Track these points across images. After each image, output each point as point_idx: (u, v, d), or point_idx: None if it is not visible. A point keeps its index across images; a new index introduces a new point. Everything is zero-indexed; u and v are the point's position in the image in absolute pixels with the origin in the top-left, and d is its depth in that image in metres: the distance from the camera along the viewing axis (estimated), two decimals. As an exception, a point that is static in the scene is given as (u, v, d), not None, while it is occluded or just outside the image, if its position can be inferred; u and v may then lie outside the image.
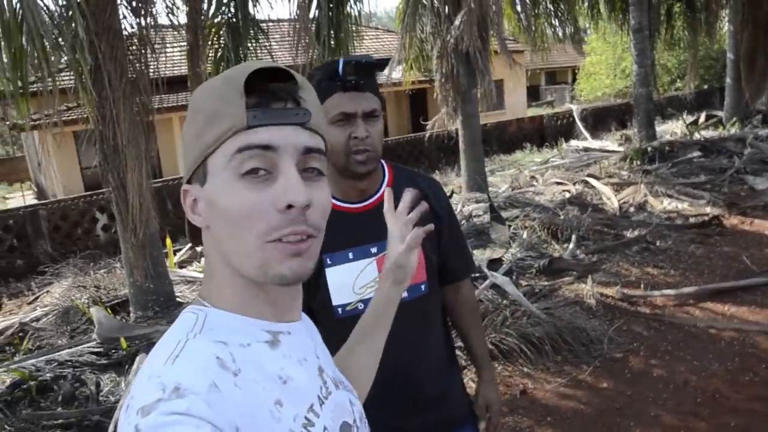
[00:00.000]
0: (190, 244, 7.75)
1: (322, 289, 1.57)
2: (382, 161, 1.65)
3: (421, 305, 1.60)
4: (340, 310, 1.57)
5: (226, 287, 0.77)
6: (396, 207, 1.43)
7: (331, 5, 6.14)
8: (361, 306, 1.55)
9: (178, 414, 0.60)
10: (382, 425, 1.69)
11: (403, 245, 1.11)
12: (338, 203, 1.58)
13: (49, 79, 4.11)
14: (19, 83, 4.45)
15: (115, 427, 3.50)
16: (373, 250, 1.57)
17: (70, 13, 4.40)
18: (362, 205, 1.60)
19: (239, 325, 0.76)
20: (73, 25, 4.17)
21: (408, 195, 1.15)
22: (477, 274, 5.03)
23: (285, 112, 0.73)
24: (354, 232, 1.57)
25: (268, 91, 0.73)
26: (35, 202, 13.34)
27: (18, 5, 3.95)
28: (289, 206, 0.71)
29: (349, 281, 1.56)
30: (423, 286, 1.61)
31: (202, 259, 7.07)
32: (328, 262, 1.57)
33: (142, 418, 0.60)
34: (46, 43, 4.04)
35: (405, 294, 1.54)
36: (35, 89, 4.50)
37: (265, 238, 0.71)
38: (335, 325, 1.50)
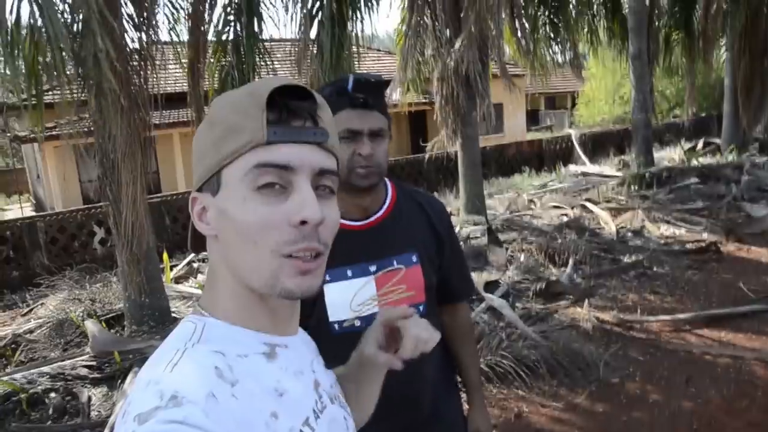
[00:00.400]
0: (187, 260, 7.74)
1: (319, 306, 1.56)
2: (386, 180, 1.66)
3: None
4: (336, 326, 1.56)
5: (229, 298, 0.77)
6: (398, 209, 1.57)
7: (333, 25, 6.21)
8: (357, 323, 1.54)
9: (176, 422, 0.60)
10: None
11: (381, 357, 0.98)
12: (342, 221, 1.59)
13: (63, 90, 4.18)
14: (33, 93, 4.50)
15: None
16: (372, 268, 1.57)
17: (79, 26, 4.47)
18: (363, 223, 1.59)
19: (238, 336, 0.76)
20: (91, 39, 4.22)
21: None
22: (474, 297, 5.02)
23: (304, 131, 0.74)
24: (354, 249, 1.56)
25: (289, 108, 0.74)
26: (33, 214, 13.32)
27: (39, 17, 4.02)
28: (303, 222, 0.72)
29: (346, 298, 1.55)
30: (421, 307, 1.59)
31: (199, 275, 7.07)
32: (327, 278, 1.55)
33: (138, 426, 0.60)
34: (65, 55, 4.10)
35: None
36: (48, 101, 4.54)
37: (278, 252, 0.72)
38: (331, 342, 1.44)
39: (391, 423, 1.66)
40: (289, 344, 0.81)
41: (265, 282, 0.73)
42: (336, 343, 1.44)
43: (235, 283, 0.76)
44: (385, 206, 1.62)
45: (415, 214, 1.64)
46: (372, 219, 1.59)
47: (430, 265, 1.61)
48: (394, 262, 1.57)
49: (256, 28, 5.98)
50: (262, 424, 0.70)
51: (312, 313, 1.57)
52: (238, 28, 5.92)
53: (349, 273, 1.56)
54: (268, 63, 6.24)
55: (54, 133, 12.50)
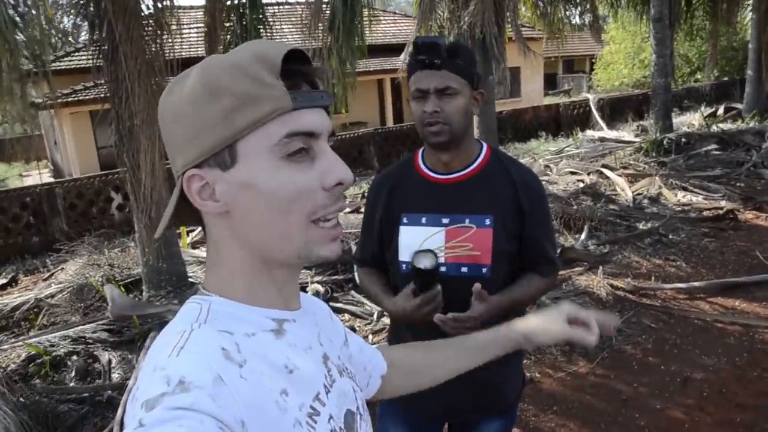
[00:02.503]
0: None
1: (394, 244, 1.70)
2: (483, 144, 1.74)
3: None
4: (404, 266, 1.68)
5: (237, 275, 0.77)
6: (485, 172, 1.65)
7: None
8: None
9: (183, 409, 0.60)
10: (420, 400, 1.75)
11: (553, 337, 1.10)
12: (425, 170, 1.72)
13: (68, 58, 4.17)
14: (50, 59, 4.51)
15: (125, 407, 3.56)
16: (445, 220, 1.65)
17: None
18: (445, 177, 1.69)
19: (244, 314, 0.75)
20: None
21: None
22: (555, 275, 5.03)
23: (318, 96, 0.75)
24: (432, 199, 1.68)
25: (299, 73, 0.74)
26: (51, 180, 13.48)
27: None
28: (339, 184, 0.74)
29: (416, 243, 1.65)
30: (484, 269, 1.63)
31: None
32: (404, 220, 1.69)
33: (146, 413, 0.60)
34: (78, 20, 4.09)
35: (465, 269, 1.62)
36: (56, 68, 4.54)
37: (311, 217, 0.73)
38: (398, 278, 1.71)
39: (451, 398, 1.70)
40: (297, 318, 0.81)
41: (297, 251, 0.74)
42: (402, 280, 1.66)
43: (247, 258, 0.76)
44: (472, 167, 1.69)
45: (502, 181, 1.67)
46: (454, 175, 1.69)
47: (505, 233, 1.63)
48: (467, 220, 1.64)
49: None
50: (272, 403, 0.70)
51: (389, 248, 1.73)
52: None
53: (424, 220, 1.67)
54: (270, 31, 6.18)
55: (70, 99, 12.60)
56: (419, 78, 1.60)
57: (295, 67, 0.73)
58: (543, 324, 1.09)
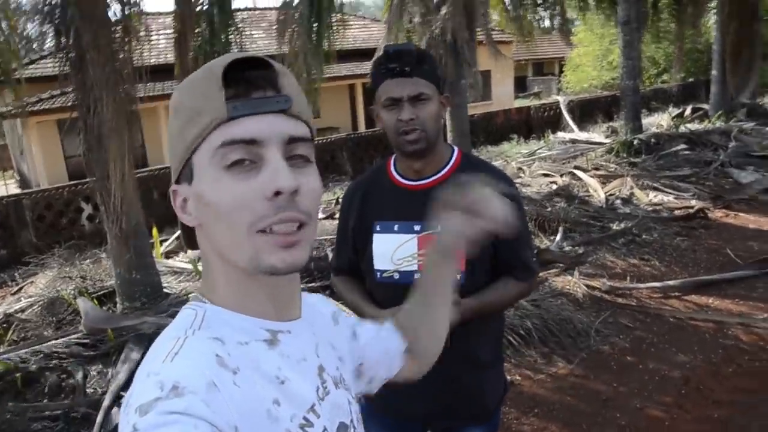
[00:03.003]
0: (176, 235, 7.70)
1: (368, 252, 1.70)
2: (455, 148, 1.74)
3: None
4: (378, 274, 1.68)
5: (225, 284, 0.77)
6: (456, 178, 1.49)
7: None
8: (396, 276, 1.66)
9: (176, 413, 0.60)
10: (398, 404, 1.74)
11: (454, 235, 1.01)
12: (397, 177, 1.72)
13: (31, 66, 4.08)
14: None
15: (104, 419, 3.48)
16: (417, 227, 1.65)
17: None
18: (416, 183, 1.69)
19: (238, 322, 0.75)
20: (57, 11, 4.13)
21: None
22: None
23: (265, 101, 0.72)
24: (404, 206, 1.67)
25: (247, 80, 0.72)
26: (18, 191, 13.18)
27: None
28: (277, 193, 0.70)
29: (389, 250, 1.66)
30: (459, 275, 1.61)
31: (189, 250, 7.07)
32: (377, 228, 1.69)
33: (140, 418, 0.60)
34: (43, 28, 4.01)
35: None
36: (17, 76, 4.44)
37: (254, 228, 0.70)
38: (374, 287, 1.72)
39: (430, 402, 1.70)
40: (292, 329, 0.80)
41: (248, 261, 0.72)
42: (378, 289, 1.69)
43: (228, 268, 0.76)
44: (443, 172, 1.68)
45: None
46: (425, 181, 1.68)
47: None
48: (438, 227, 1.61)
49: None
50: (263, 411, 0.70)
51: (363, 258, 1.73)
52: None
53: (396, 227, 1.67)
54: (239, 37, 6.14)
55: (36, 108, 12.34)
56: (390, 86, 1.58)
57: (244, 75, 0.71)
58: (444, 230, 1.02)
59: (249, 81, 0.72)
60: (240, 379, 0.68)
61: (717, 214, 7.04)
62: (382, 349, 1.03)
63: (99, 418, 3.48)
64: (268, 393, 0.72)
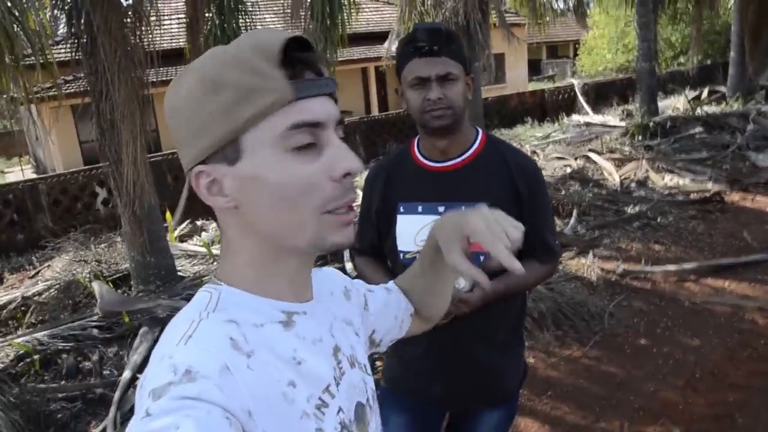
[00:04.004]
0: (189, 219, 7.75)
1: (392, 233, 1.69)
2: (479, 129, 1.72)
3: None
4: (402, 255, 1.68)
5: (248, 266, 0.76)
6: (480, 160, 1.63)
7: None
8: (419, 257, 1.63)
9: (189, 398, 0.60)
10: (417, 386, 1.74)
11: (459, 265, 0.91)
12: (421, 159, 1.71)
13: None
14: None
15: (120, 399, 3.53)
16: (441, 209, 1.64)
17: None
18: (441, 165, 1.68)
19: (254, 304, 0.75)
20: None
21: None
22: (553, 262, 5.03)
23: (321, 83, 0.73)
24: (428, 188, 1.67)
25: (298, 60, 0.71)
26: (34, 176, 13.30)
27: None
28: (347, 174, 0.72)
29: (412, 232, 1.66)
30: (482, 257, 1.60)
31: (203, 233, 7.09)
32: (401, 209, 1.69)
33: (153, 402, 0.60)
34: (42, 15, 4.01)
35: None
36: (32, 62, 4.45)
37: (322, 209, 0.72)
38: (397, 267, 1.69)
39: (449, 383, 1.70)
40: (307, 311, 0.80)
41: (312, 240, 0.73)
42: (401, 269, 1.63)
43: (257, 250, 0.75)
44: (468, 154, 1.67)
45: (498, 168, 1.66)
46: (450, 163, 1.67)
47: None
48: (462, 208, 1.60)
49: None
50: (278, 394, 0.70)
51: (387, 239, 1.72)
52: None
53: (420, 209, 1.67)
54: (250, 20, 6.12)
55: (51, 93, 12.40)
56: (418, 65, 1.57)
57: (297, 55, 0.71)
58: (446, 245, 0.94)
59: (301, 61, 0.71)
60: (254, 362, 0.68)
61: (734, 197, 6.95)
62: (392, 314, 1.05)
63: (115, 398, 3.53)
64: (283, 375, 0.71)
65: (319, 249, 0.75)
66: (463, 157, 1.67)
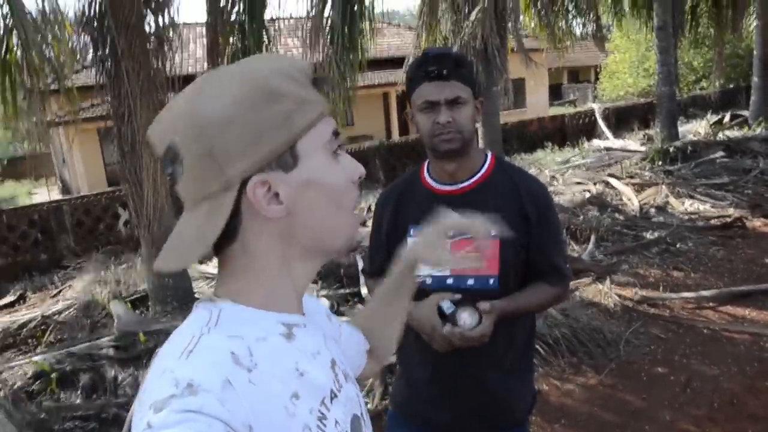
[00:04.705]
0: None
1: None
2: (488, 153, 1.74)
3: (487, 298, 1.59)
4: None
5: (262, 282, 0.77)
6: (489, 183, 1.66)
7: (345, 2, 6.16)
8: (429, 280, 1.65)
9: (191, 412, 0.60)
10: (425, 410, 1.74)
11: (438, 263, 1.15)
12: (431, 182, 1.73)
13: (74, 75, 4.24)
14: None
15: (130, 424, 3.55)
16: (450, 233, 1.63)
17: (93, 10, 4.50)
18: (450, 188, 1.70)
19: (255, 318, 0.75)
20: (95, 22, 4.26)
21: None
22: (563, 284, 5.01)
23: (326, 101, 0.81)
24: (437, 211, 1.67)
25: (316, 82, 0.79)
26: (59, 197, 13.55)
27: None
28: (360, 177, 0.81)
29: None
30: (491, 281, 1.62)
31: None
32: (412, 232, 1.69)
33: (154, 415, 0.60)
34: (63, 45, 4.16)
35: (471, 281, 1.62)
36: (69, 86, 4.62)
37: (353, 208, 0.81)
38: None
39: (457, 409, 1.70)
40: (306, 323, 0.81)
41: (346, 239, 0.80)
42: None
43: (280, 263, 0.77)
44: (476, 177, 1.69)
45: (507, 191, 1.67)
46: (459, 186, 1.69)
47: (512, 243, 1.62)
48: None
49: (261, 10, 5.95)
50: (280, 408, 0.70)
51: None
52: (241, 8, 5.88)
53: None
54: (273, 48, 6.22)
55: (78, 117, 12.69)
56: (428, 90, 1.59)
57: (313, 77, 0.79)
58: (427, 251, 1.15)
59: (318, 82, 0.79)
60: (255, 377, 0.68)
61: (755, 223, 6.84)
62: (355, 347, 1.08)
63: (128, 419, 3.55)
64: (286, 388, 0.72)
65: (347, 249, 0.81)
66: (472, 180, 1.68)
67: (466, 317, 1.51)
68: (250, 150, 0.70)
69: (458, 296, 1.59)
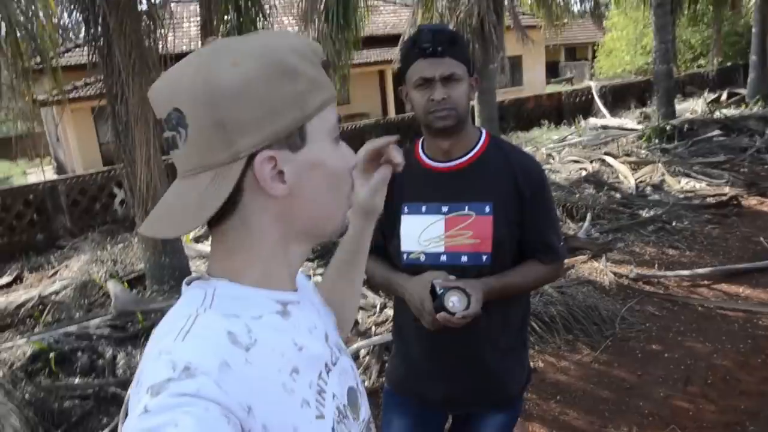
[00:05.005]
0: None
1: (396, 234, 1.70)
2: (483, 130, 1.73)
3: (480, 275, 1.60)
4: (405, 256, 1.69)
5: (258, 260, 0.76)
6: (483, 160, 1.66)
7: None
8: (422, 258, 1.66)
9: (188, 395, 0.60)
10: (419, 386, 1.75)
11: (367, 188, 1.07)
12: (425, 159, 1.72)
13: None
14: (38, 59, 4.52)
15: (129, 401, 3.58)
16: (444, 209, 1.66)
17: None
18: (444, 165, 1.69)
19: (250, 297, 0.74)
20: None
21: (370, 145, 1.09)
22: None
23: None
24: (431, 188, 1.68)
25: (325, 66, 0.79)
26: (54, 177, 13.49)
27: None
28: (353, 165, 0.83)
29: (416, 232, 1.67)
30: (485, 257, 1.62)
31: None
32: (405, 210, 1.70)
33: (151, 398, 0.60)
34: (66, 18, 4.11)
35: (464, 258, 1.63)
36: (64, 64, 4.57)
37: (349, 195, 0.82)
38: (401, 269, 1.71)
39: (451, 384, 1.71)
40: (300, 300, 0.81)
41: (340, 224, 0.82)
42: (404, 271, 1.68)
43: (278, 242, 0.76)
44: (471, 154, 1.68)
45: (501, 168, 1.66)
46: (453, 163, 1.68)
47: (506, 220, 1.62)
48: (466, 208, 1.64)
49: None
50: (278, 386, 0.70)
51: (392, 240, 1.72)
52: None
53: (423, 209, 1.68)
54: (268, 25, 6.17)
55: (72, 96, 12.59)
56: (422, 66, 1.58)
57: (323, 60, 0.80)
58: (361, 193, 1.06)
59: (324, 66, 0.79)
60: (252, 356, 0.68)
61: (751, 201, 6.86)
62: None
63: (127, 398, 3.57)
64: (286, 364, 0.72)
65: (339, 234, 0.83)
66: (467, 157, 1.67)
67: (456, 300, 1.51)
68: (263, 124, 0.69)
69: (453, 278, 1.59)
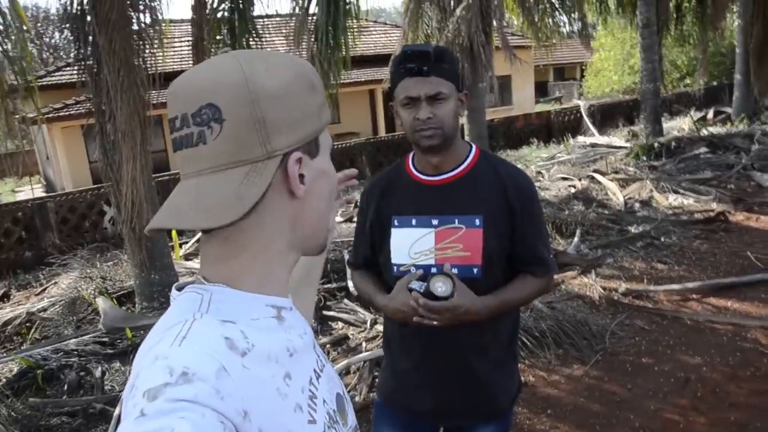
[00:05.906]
0: (196, 237, 7.79)
1: (386, 247, 1.72)
2: (472, 145, 1.76)
3: (471, 288, 1.60)
4: (395, 268, 1.70)
5: (258, 265, 0.76)
6: (473, 174, 1.69)
7: (329, 2, 6.17)
8: (413, 270, 1.67)
9: (185, 401, 0.60)
10: (409, 398, 1.76)
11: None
12: (415, 173, 1.74)
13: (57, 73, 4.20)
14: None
15: (120, 414, 3.54)
16: (434, 222, 1.67)
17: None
18: (435, 178, 1.71)
19: (247, 301, 0.75)
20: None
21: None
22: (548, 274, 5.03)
23: None
24: (422, 201, 1.70)
25: None
26: (44, 194, 13.42)
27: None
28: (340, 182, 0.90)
29: (406, 245, 1.69)
30: (475, 270, 1.64)
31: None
32: (395, 223, 1.71)
33: (148, 403, 0.60)
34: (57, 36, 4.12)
35: (455, 270, 1.64)
36: (47, 83, 4.59)
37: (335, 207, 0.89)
38: (391, 280, 1.72)
39: (440, 396, 1.72)
40: (291, 306, 0.82)
41: (327, 236, 0.85)
42: (395, 282, 1.69)
43: (282, 247, 0.78)
44: (461, 167, 1.70)
45: (491, 182, 1.68)
46: (444, 176, 1.70)
47: (496, 233, 1.64)
48: (456, 221, 1.66)
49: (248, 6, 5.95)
50: (273, 390, 0.70)
51: (382, 252, 1.74)
52: (228, 5, 5.87)
53: (414, 222, 1.69)
54: (260, 43, 6.23)
55: (62, 114, 12.58)
56: (408, 85, 1.61)
57: None
58: None
59: None
60: (249, 361, 0.68)
61: (738, 217, 6.93)
62: None
63: (116, 414, 3.54)
64: (279, 369, 0.72)
65: (322, 249, 0.86)
66: (457, 170, 1.69)
67: (441, 285, 1.53)
68: (296, 127, 0.75)
69: (421, 271, 1.63)
